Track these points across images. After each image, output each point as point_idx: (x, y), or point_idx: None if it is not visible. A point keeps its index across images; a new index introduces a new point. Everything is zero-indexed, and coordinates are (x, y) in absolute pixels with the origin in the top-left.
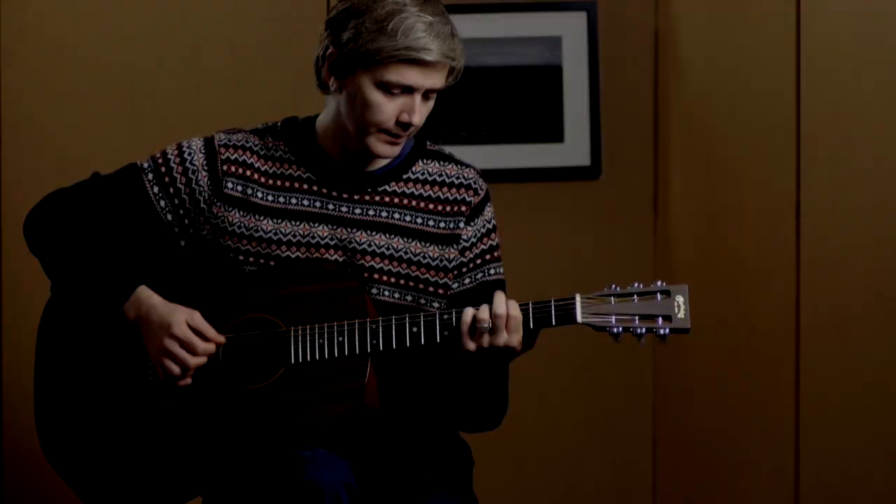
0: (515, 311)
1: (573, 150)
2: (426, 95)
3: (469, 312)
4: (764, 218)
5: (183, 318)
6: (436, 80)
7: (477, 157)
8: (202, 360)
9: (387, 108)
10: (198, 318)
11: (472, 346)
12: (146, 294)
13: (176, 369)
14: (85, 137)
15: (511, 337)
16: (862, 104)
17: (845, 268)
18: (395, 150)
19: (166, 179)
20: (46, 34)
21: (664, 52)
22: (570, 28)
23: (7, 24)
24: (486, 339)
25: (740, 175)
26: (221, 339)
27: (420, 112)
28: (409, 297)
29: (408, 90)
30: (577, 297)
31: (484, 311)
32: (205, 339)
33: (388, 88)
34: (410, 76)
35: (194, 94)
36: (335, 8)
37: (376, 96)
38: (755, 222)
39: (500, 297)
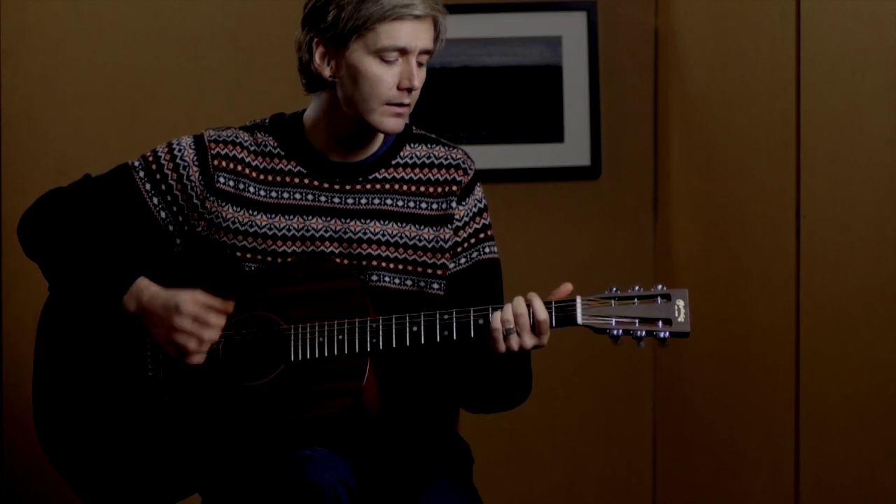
0: (542, 314)
1: (573, 150)
2: (420, 63)
3: (497, 317)
4: (764, 218)
5: (189, 296)
6: (426, 39)
7: (477, 157)
8: (215, 333)
9: (385, 78)
10: (202, 295)
11: (502, 348)
12: (145, 283)
13: (192, 344)
14: (84, 137)
15: (541, 339)
16: (862, 104)
17: (845, 268)
18: (402, 124)
19: (158, 176)
20: (46, 34)
21: (664, 52)
22: (570, 28)
23: (7, 24)
24: (514, 341)
25: (740, 175)
26: (230, 307)
27: (418, 76)
28: (408, 282)
29: (402, 53)
30: (578, 299)
31: (507, 312)
32: (214, 312)
33: (383, 55)
34: (402, 36)
35: (194, 94)
36: (306, 6)
37: (373, 68)
38: (755, 222)
39: (518, 299)
